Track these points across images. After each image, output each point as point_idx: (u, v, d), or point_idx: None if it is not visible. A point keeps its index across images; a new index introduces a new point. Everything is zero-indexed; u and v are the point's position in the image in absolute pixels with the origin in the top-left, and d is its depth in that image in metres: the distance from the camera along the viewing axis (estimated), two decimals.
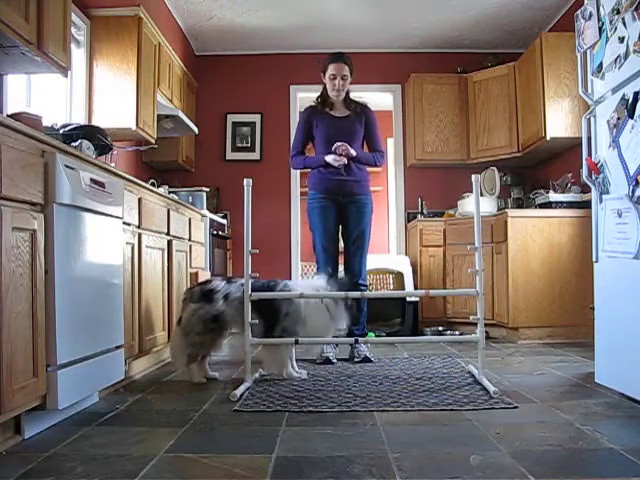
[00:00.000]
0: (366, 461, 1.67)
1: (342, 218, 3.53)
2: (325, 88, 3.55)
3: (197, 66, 5.62)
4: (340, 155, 3.39)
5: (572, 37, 2.84)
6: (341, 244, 3.58)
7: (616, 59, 2.39)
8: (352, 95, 3.62)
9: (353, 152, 3.42)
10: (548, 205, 4.36)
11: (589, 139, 2.67)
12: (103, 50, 3.73)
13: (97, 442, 1.88)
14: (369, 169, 3.63)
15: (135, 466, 1.63)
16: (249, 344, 2.71)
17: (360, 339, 3.06)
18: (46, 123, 2.57)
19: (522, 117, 4.91)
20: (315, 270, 3.57)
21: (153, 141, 4.05)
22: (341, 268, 3.56)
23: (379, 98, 6.08)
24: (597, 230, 2.59)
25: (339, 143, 3.38)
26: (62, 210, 2.04)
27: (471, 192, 3.18)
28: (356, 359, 3.38)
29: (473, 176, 2.81)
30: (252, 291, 2.74)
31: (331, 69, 3.44)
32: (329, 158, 3.41)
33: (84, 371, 2.17)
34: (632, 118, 2.26)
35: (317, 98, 3.61)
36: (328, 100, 3.54)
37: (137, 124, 3.71)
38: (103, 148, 2.92)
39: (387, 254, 6.32)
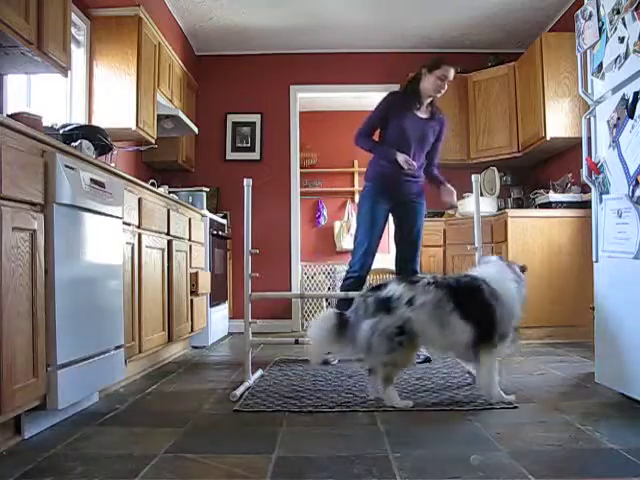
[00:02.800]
0: (366, 461, 1.67)
1: (398, 216, 3.49)
2: (414, 81, 3.43)
3: (197, 66, 5.62)
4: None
5: (572, 37, 2.84)
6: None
7: (616, 59, 2.39)
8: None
9: (415, 167, 3.32)
10: (548, 205, 4.36)
11: (589, 139, 2.67)
12: (103, 50, 3.72)
13: (97, 442, 1.88)
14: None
15: (135, 466, 1.63)
16: (249, 344, 2.71)
17: None
18: (46, 123, 2.57)
19: (522, 117, 4.91)
20: (348, 264, 3.47)
21: (153, 141, 4.05)
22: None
23: (379, 98, 6.06)
24: (597, 230, 2.59)
25: (410, 167, 3.29)
26: (62, 210, 2.04)
27: (471, 192, 3.18)
28: (416, 360, 3.34)
29: (473, 176, 2.82)
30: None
31: (444, 69, 3.35)
32: (401, 158, 3.30)
33: (84, 371, 2.17)
34: (632, 118, 2.26)
35: (406, 88, 3.49)
36: (419, 97, 3.43)
37: (137, 124, 3.71)
38: (103, 148, 2.92)
39: (387, 254, 6.30)
